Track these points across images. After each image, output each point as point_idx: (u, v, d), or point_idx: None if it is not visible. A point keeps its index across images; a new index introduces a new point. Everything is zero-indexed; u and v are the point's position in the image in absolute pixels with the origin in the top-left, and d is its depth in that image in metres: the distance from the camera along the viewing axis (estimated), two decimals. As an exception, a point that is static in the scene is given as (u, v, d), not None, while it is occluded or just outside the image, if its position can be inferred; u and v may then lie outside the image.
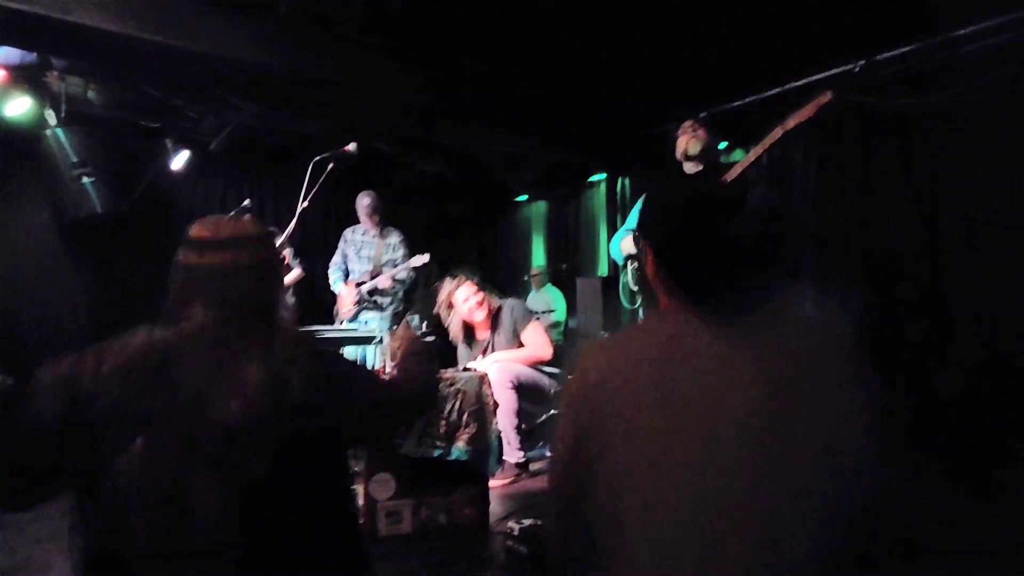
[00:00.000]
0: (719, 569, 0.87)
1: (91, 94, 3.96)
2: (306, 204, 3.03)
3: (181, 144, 4.65)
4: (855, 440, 0.92)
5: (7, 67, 3.53)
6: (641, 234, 1.13)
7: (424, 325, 3.45)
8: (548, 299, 5.60)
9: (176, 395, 1.09)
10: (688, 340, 0.98)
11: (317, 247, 5.29)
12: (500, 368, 3.29)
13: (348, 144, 3.09)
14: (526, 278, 6.00)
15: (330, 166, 3.01)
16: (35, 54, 3.48)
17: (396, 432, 2.43)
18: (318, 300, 4.99)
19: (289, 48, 3.16)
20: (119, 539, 1.06)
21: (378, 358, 3.96)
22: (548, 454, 3.84)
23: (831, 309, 3.42)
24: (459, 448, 2.65)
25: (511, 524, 2.35)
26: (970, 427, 2.73)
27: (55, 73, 3.69)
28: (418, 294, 4.66)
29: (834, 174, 3.51)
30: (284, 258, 4.41)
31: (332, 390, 1.22)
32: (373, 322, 4.36)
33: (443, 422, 2.66)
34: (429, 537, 2.44)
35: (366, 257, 4.52)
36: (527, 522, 2.31)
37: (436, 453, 2.63)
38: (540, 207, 6.46)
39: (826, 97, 2.37)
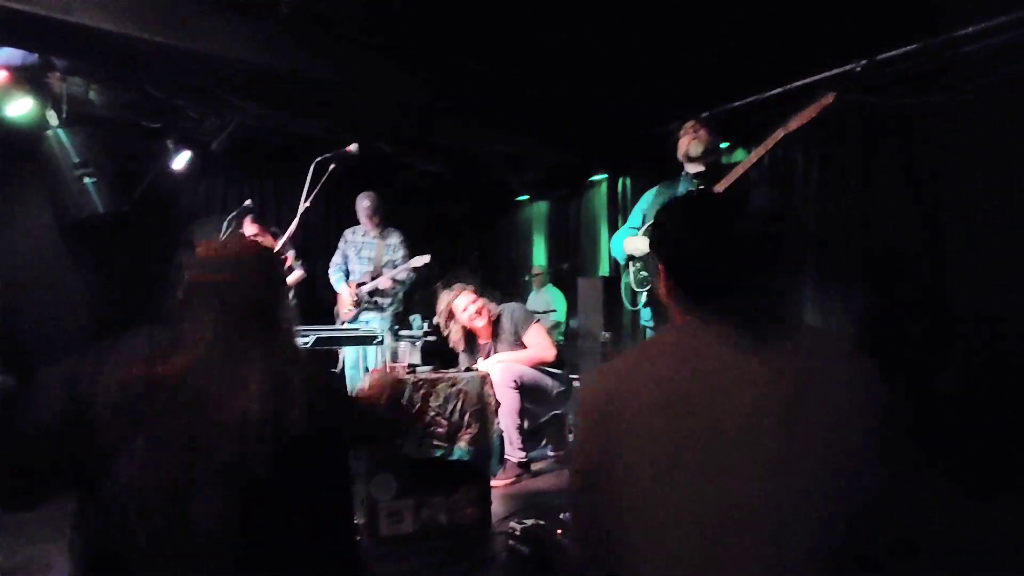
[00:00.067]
0: (730, 570, 0.90)
1: (92, 95, 3.95)
2: (308, 205, 3.03)
3: (182, 144, 4.64)
4: (857, 441, 0.94)
5: (9, 68, 3.53)
6: (655, 254, 1.19)
7: (425, 325, 3.46)
8: (549, 299, 5.60)
9: (176, 396, 1.09)
10: (701, 352, 1.02)
11: (318, 247, 5.28)
12: (503, 368, 3.29)
13: (349, 145, 3.09)
14: (527, 278, 6.00)
15: (331, 167, 3.02)
16: (36, 55, 3.48)
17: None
18: (319, 300, 4.99)
19: (289, 48, 3.16)
20: (119, 540, 1.06)
21: (378, 358, 3.96)
22: (550, 454, 3.84)
23: (833, 312, 3.44)
24: (461, 448, 2.66)
25: (513, 524, 2.35)
26: (970, 427, 2.73)
27: (56, 74, 3.69)
28: (418, 295, 4.67)
29: (835, 174, 3.51)
30: (286, 259, 4.41)
31: (332, 391, 1.22)
32: (373, 322, 4.36)
33: (445, 422, 2.67)
34: (430, 537, 2.44)
35: (366, 258, 4.52)
36: (529, 522, 2.32)
37: (438, 453, 2.64)
38: (541, 207, 6.46)
39: (828, 99, 2.36)
